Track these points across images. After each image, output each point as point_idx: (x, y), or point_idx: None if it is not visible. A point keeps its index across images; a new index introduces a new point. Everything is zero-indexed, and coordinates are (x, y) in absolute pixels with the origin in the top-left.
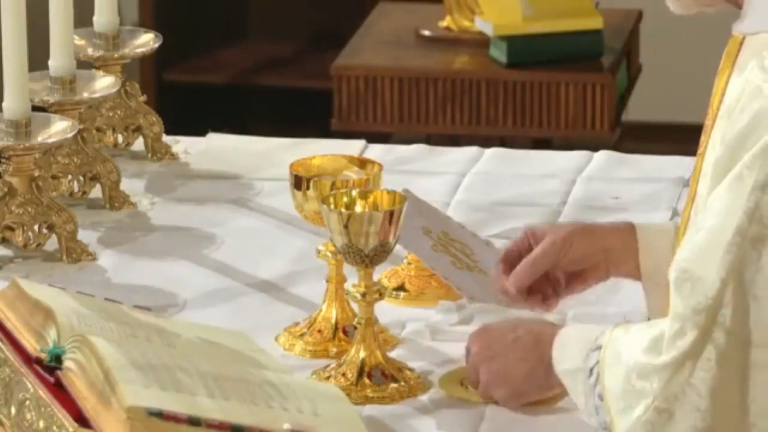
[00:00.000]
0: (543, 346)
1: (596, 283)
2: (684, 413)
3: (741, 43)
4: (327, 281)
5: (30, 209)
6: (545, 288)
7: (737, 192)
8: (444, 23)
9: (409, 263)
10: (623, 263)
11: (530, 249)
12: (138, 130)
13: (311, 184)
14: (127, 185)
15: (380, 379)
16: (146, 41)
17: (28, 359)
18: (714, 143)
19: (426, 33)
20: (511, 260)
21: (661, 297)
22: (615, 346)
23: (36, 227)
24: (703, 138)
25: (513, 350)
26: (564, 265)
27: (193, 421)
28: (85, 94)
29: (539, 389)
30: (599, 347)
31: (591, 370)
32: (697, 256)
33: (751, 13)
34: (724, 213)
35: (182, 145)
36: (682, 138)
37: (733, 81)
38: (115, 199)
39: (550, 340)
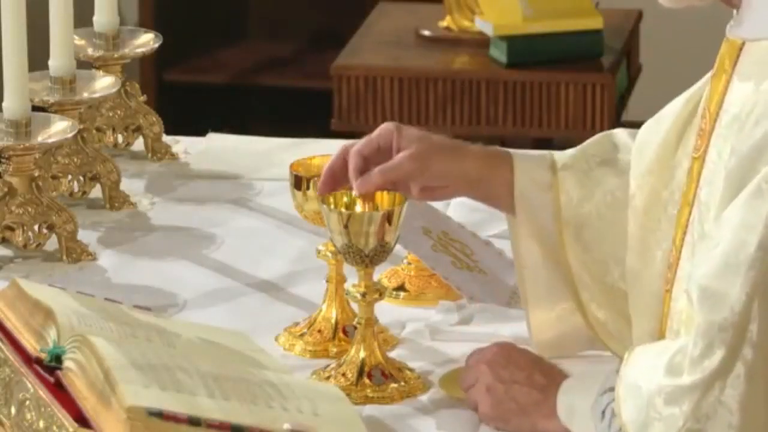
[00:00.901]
0: (551, 391)
1: (441, 200)
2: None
3: (740, 48)
4: (327, 281)
5: (30, 209)
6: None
7: (756, 206)
8: (444, 23)
9: (409, 263)
10: (478, 188)
11: (390, 147)
12: (138, 130)
13: (311, 184)
14: (127, 185)
15: (380, 379)
16: (146, 41)
17: (28, 359)
18: (720, 152)
19: (426, 33)
20: (368, 154)
21: (525, 222)
22: (628, 380)
23: (36, 227)
24: (699, 142)
25: (522, 382)
26: (417, 180)
27: (193, 421)
28: (85, 94)
29: (525, 426)
30: (611, 389)
31: (603, 412)
32: (718, 272)
33: (750, 18)
34: (743, 228)
35: (182, 145)
36: None
37: (737, 87)
38: (115, 199)
39: (557, 387)
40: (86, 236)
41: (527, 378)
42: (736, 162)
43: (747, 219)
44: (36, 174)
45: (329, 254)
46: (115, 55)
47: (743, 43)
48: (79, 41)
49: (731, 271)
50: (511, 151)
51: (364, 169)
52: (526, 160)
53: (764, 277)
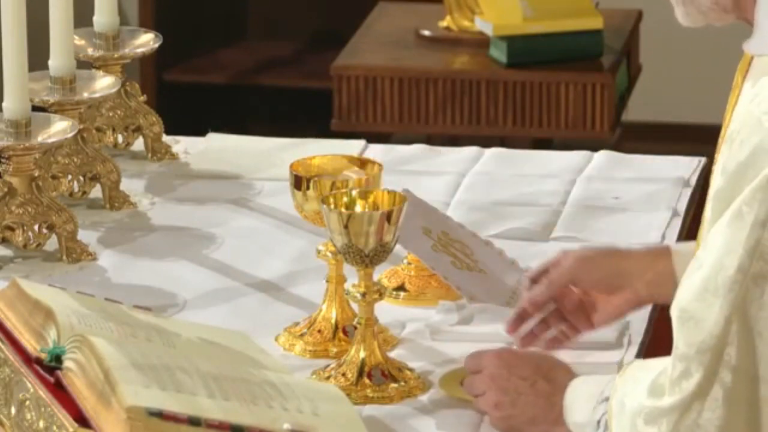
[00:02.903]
0: (556, 397)
1: (630, 310)
2: None
3: (749, 63)
4: (327, 281)
5: (30, 209)
6: (563, 323)
7: (737, 228)
8: (444, 23)
9: (409, 263)
10: (643, 284)
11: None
12: (138, 130)
13: (311, 184)
14: (127, 185)
15: (380, 379)
16: (146, 41)
17: (28, 359)
18: (715, 169)
19: (426, 33)
20: (537, 276)
21: None
22: (618, 395)
23: (36, 227)
24: (716, 155)
25: (527, 392)
26: (587, 286)
27: (193, 421)
28: (85, 94)
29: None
30: (606, 399)
31: (598, 422)
32: (698, 295)
33: (758, 34)
34: (724, 250)
35: (182, 145)
36: (682, 138)
37: (740, 101)
38: (115, 199)
39: (563, 391)
40: (86, 236)
41: (531, 387)
42: (724, 181)
43: (727, 242)
44: (36, 174)
45: (329, 254)
46: (115, 55)
47: (752, 58)
48: (79, 41)
49: (710, 294)
50: (669, 244)
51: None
52: (683, 252)
53: (743, 300)
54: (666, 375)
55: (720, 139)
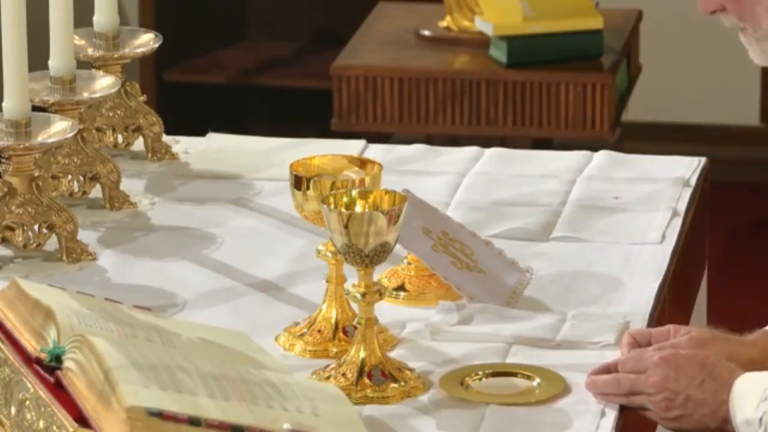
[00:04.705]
0: (723, 395)
1: None
2: None
3: None
4: (327, 281)
5: (30, 209)
6: None
7: None
8: (444, 23)
9: (409, 263)
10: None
11: (667, 339)
12: (138, 130)
13: (311, 184)
14: (127, 185)
15: (380, 379)
16: (146, 41)
17: (28, 359)
18: None
19: (426, 33)
20: (640, 338)
21: None
22: None
23: (36, 227)
24: None
25: (696, 392)
26: None
27: (193, 421)
28: (85, 94)
29: (714, 426)
30: (767, 398)
31: (760, 420)
32: None
33: None
34: None
35: (182, 145)
36: (682, 138)
37: None
38: (115, 199)
39: (729, 390)
40: (86, 236)
41: (699, 387)
42: None
43: None
44: (36, 174)
45: (329, 254)
46: (115, 55)
47: None
48: (79, 41)
49: None
50: None
51: (634, 345)
52: None
53: None
54: None
55: None
